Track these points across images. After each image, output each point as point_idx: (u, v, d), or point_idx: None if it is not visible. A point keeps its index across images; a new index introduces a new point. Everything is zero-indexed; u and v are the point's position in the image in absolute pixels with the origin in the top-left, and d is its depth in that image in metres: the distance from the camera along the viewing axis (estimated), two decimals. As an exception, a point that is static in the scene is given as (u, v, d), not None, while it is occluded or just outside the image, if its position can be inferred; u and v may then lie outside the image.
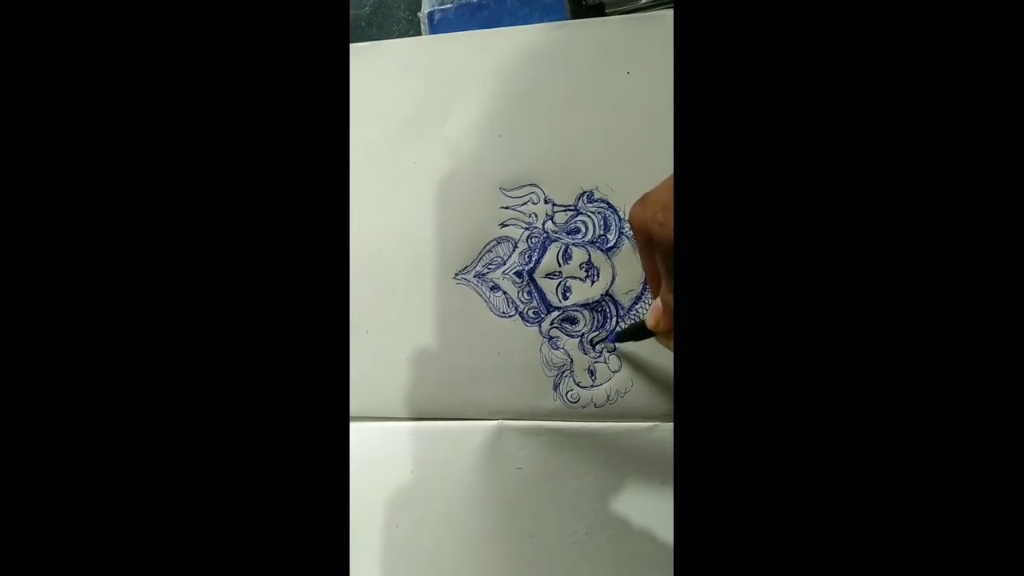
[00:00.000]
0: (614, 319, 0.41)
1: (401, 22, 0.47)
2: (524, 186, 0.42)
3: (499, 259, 0.42)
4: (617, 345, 0.41)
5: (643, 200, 0.30)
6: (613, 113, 0.41)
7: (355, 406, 0.43)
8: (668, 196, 0.28)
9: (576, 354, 0.42)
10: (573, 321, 0.42)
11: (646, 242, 0.30)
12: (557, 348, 0.42)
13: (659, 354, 0.40)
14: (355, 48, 0.43)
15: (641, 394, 0.41)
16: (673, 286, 0.29)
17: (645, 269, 0.33)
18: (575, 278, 0.42)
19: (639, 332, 0.37)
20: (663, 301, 0.31)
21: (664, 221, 0.27)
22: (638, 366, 0.41)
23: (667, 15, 0.41)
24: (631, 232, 0.41)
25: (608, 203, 0.41)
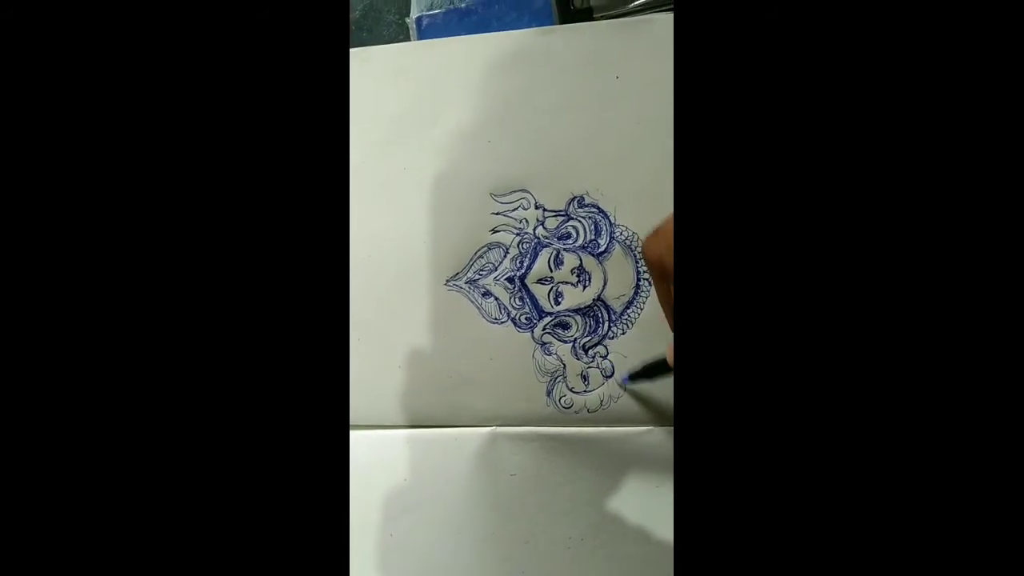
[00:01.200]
0: (606, 324, 0.41)
1: (391, 26, 0.47)
2: (514, 191, 0.42)
3: (490, 265, 0.42)
4: (628, 387, 0.40)
5: (655, 233, 0.28)
6: (602, 118, 0.41)
7: (347, 414, 0.43)
8: None
9: (569, 359, 0.41)
10: (565, 326, 0.42)
11: (661, 275, 0.29)
12: (550, 354, 0.42)
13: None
14: (343, 54, 0.43)
15: (635, 399, 0.41)
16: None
17: (661, 302, 0.31)
18: (567, 283, 0.41)
19: (655, 369, 0.36)
20: None
21: None
22: (650, 404, 0.40)
23: (656, 19, 0.41)
24: (623, 236, 0.41)
25: (599, 208, 0.41)
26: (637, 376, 0.39)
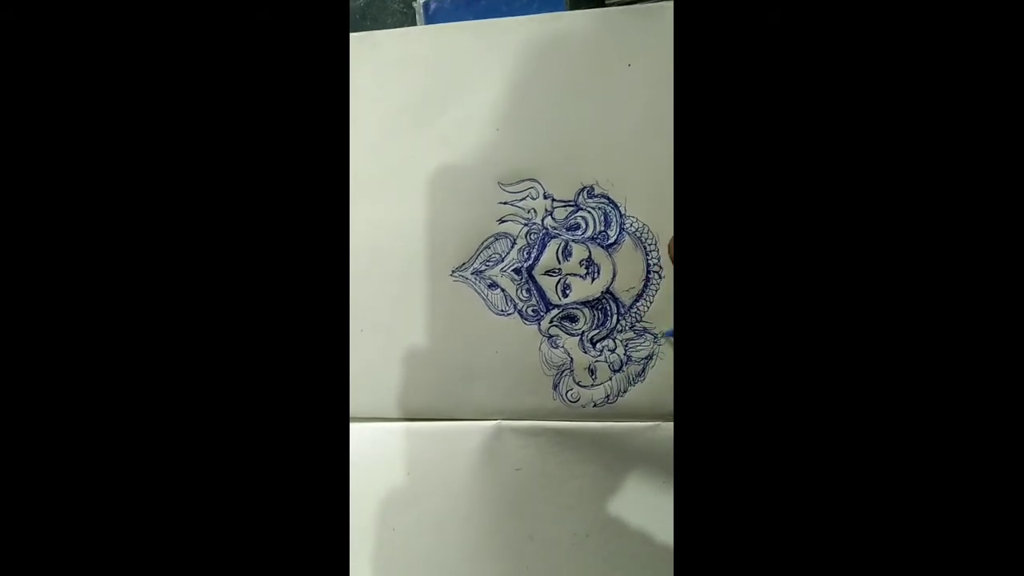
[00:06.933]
0: (615, 317, 0.41)
1: (396, 15, 0.46)
2: (523, 181, 0.41)
3: (497, 256, 0.41)
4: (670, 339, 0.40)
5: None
6: (613, 106, 0.40)
7: (350, 407, 0.42)
8: None
9: (576, 353, 0.41)
10: (573, 319, 0.41)
11: None
12: (557, 347, 0.41)
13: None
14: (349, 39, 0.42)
15: (642, 393, 0.40)
16: None
17: None
18: (575, 275, 0.41)
19: None
20: None
21: None
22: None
23: (668, 7, 0.40)
24: (633, 228, 0.40)
25: (608, 198, 0.40)
26: None
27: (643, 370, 0.40)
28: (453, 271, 0.42)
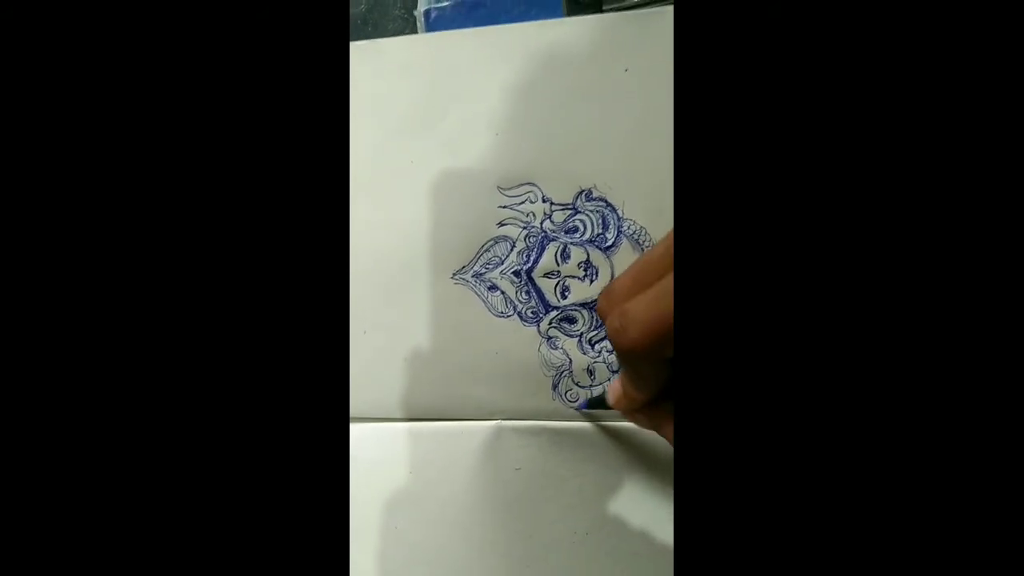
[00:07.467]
0: (613, 318, 0.41)
1: (397, 20, 0.47)
2: (522, 185, 0.41)
3: (497, 258, 0.42)
4: (588, 411, 0.41)
5: (608, 292, 0.27)
6: (611, 111, 0.41)
7: (352, 407, 0.43)
8: (627, 289, 0.25)
9: (575, 354, 0.41)
10: (572, 321, 0.41)
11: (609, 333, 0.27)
12: (556, 348, 0.41)
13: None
14: (351, 47, 0.43)
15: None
16: (631, 377, 0.28)
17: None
18: (574, 277, 0.41)
19: (603, 403, 0.36)
20: (622, 385, 0.30)
21: (620, 328, 0.24)
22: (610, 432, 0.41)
23: (665, 11, 0.41)
24: (630, 231, 0.41)
25: (606, 201, 0.41)
26: (594, 404, 0.40)
27: (641, 370, 0.41)
28: (454, 274, 0.42)
